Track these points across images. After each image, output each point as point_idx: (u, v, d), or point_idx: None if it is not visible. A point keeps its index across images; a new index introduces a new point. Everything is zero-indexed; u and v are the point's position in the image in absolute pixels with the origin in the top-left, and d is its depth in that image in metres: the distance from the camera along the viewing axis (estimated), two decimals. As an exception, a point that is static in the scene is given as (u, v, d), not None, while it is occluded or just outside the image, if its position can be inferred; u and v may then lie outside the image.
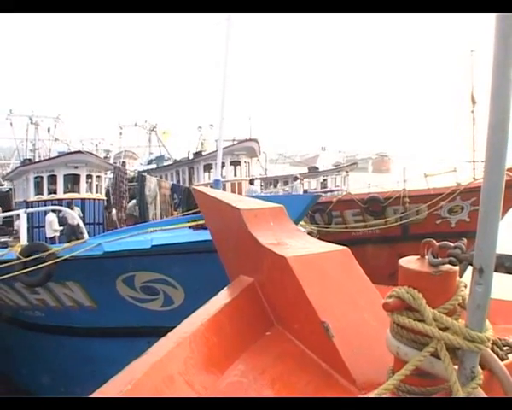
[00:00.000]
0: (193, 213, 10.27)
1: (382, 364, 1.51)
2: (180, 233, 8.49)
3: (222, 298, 1.99)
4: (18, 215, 14.37)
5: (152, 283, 8.80)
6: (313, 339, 1.75)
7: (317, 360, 1.72)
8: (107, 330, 9.56)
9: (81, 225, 10.99)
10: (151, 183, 22.88)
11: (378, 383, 1.43)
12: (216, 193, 2.98)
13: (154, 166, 38.49)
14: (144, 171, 28.14)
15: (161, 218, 19.92)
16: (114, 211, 20.14)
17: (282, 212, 2.45)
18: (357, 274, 1.94)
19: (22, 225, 10.81)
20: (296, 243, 2.08)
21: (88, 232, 16.49)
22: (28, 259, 8.85)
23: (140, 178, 23.34)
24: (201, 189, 3.03)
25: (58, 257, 8.67)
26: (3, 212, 20.70)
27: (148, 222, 16.77)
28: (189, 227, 8.26)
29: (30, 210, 13.92)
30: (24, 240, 10.01)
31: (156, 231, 8.80)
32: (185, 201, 18.93)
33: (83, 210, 17.98)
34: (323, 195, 20.04)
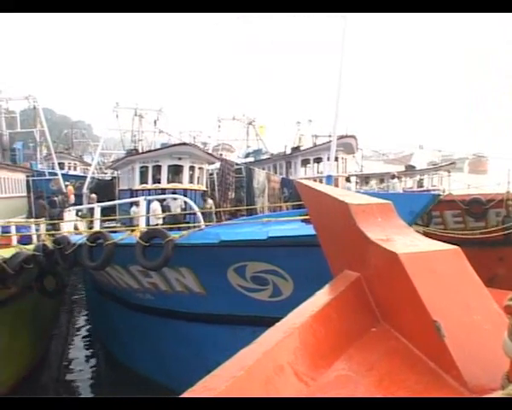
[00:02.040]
0: (304, 207, 10.32)
1: (495, 368, 1.46)
2: (293, 226, 8.55)
3: (328, 292, 1.99)
4: (133, 202, 15.22)
5: (263, 273, 8.96)
6: (422, 338, 1.71)
7: (425, 360, 1.68)
8: (214, 317, 9.84)
9: (198, 214, 11.22)
10: (259, 176, 23.20)
11: (490, 387, 1.39)
12: (320, 187, 2.96)
13: (251, 159, 38.90)
14: (241, 164, 28.46)
15: (269, 211, 20.11)
16: (211, 201, 20.49)
17: (390, 208, 2.41)
18: (469, 275, 1.88)
19: (142, 211, 11.26)
20: (405, 240, 2.04)
21: (188, 222, 17.06)
22: (147, 244, 9.29)
23: (248, 171, 23.75)
24: (306, 182, 3.03)
25: (176, 244, 8.99)
26: (108, 200, 21.62)
27: (255, 215, 17.09)
28: (302, 220, 8.30)
29: (150, 198, 14.52)
30: (143, 225, 10.44)
31: (270, 222, 8.91)
32: (296, 194, 19.02)
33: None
34: None
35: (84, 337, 18.04)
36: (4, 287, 10.21)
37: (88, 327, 19.02)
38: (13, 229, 12.61)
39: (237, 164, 27.45)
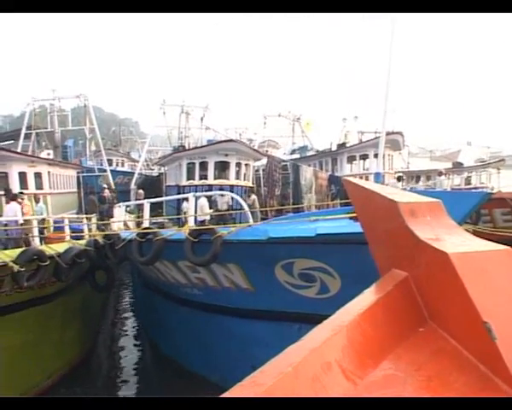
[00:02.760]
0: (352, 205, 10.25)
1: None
2: (341, 223, 8.51)
3: (376, 291, 1.99)
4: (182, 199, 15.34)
5: (311, 270, 8.96)
6: (472, 339, 1.69)
7: (474, 361, 1.66)
8: (260, 313, 9.91)
9: (247, 210, 11.32)
10: (307, 172, 23.18)
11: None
12: (368, 184, 2.95)
13: (296, 156, 38.90)
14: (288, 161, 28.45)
15: (316, 208, 20.08)
16: (253, 197, 20.57)
17: (440, 207, 2.38)
18: (523, 276, 1.84)
19: (191, 207, 11.43)
20: (455, 240, 2.02)
21: (234, 218, 17.18)
22: (196, 240, 9.44)
23: (295, 168, 23.76)
24: (353, 180, 3.02)
25: (225, 240, 9.10)
26: (155, 195, 22.00)
27: (302, 212, 17.06)
28: (349, 218, 8.25)
29: (199, 194, 14.70)
30: (192, 221, 10.58)
31: (318, 219, 8.90)
32: (343, 191, 18.91)
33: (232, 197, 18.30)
34: None
35: (130, 330, 18.46)
36: (58, 280, 10.52)
37: (134, 320, 19.42)
38: (66, 224, 12.97)
39: (284, 161, 27.48)
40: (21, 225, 13.78)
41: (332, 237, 8.29)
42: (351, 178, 3.04)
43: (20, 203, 15.22)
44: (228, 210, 18.57)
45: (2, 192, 17.49)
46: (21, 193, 17.00)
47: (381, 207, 2.36)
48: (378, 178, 12.35)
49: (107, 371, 15.22)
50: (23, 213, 15.07)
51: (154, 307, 14.39)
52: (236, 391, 1.18)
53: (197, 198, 14.89)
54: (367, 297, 1.89)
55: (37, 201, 18.26)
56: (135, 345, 16.84)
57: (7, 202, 15.40)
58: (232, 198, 18.66)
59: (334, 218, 9.22)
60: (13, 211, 14.39)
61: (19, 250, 10.13)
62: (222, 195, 17.98)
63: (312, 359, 1.43)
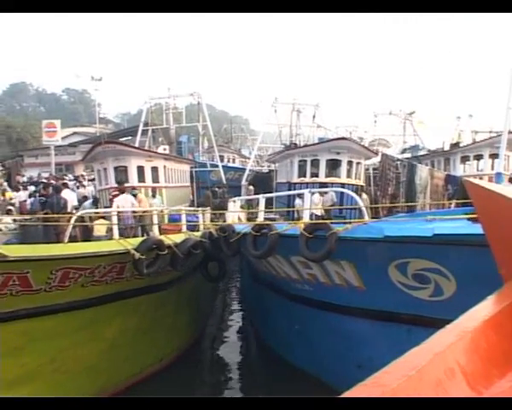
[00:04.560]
0: (470, 205, 9.93)
1: None
2: (459, 224, 8.26)
3: (502, 297, 1.93)
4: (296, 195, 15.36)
5: (425, 271, 8.62)
6: None
7: None
8: (370, 312, 9.72)
9: (363, 208, 11.22)
10: (422, 172, 22.61)
11: None
12: (490, 185, 2.90)
13: (408, 155, 37.98)
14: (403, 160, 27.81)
15: (430, 208, 19.56)
16: (365, 196, 20.24)
17: None
18: None
19: (306, 203, 11.49)
20: None
21: (344, 217, 17.11)
22: (311, 235, 9.41)
23: (410, 167, 23.26)
24: (474, 180, 2.99)
25: (339, 237, 9.01)
26: (265, 191, 22.29)
27: (415, 211, 16.69)
28: (468, 219, 8.00)
29: (314, 190, 14.80)
30: (307, 217, 10.61)
31: (434, 219, 8.67)
32: (461, 191, 18.22)
33: (342, 194, 18.25)
34: None
35: (236, 320, 18.91)
36: (173, 269, 10.98)
37: (241, 311, 19.88)
38: (183, 217, 13.48)
39: (398, 159, 26.95)
40: (140, 216, 14.54)
41: (450, 237, 7.96)
42: (471, 179, 3.01)
43: (134, 196, 16.11)
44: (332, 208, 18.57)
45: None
46: (134, 188, 18.22)
47: (507, 210, 2.31)
48: (499, 178, 11.78)
49: (213, 358, 15.79)
50: (137, 206, 16.03)
51: (262, 300, 14.62)
52: (359, 391, 1.17)
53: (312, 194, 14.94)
54: (492, 304, 1.83)
55: (154, 194, 19.36)
56: (240, 335, 17.32)
57: (114, 196, 16.34)
58: (338, 195, 18.57)
59: (452, 218, 8.95)
60: (125, 201, 15.20)
61: (139, 239, 10.71)
62: (326, 192, 17.86)
63: (436, 363, 1.40)
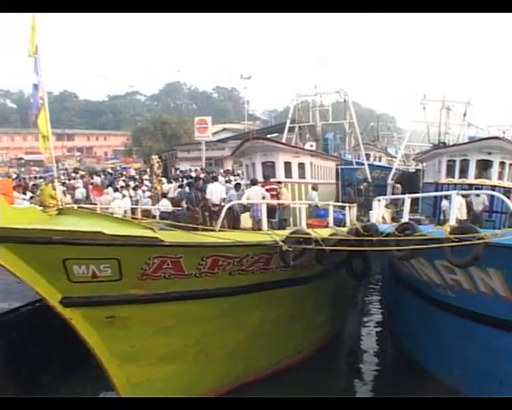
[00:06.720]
0: None
1: None
2: None
3: None
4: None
5: None
6: None
7: None
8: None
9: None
10: None
11: None
12: None
13: None
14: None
15: None
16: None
17: None
18: None
19: (453, 205, 11.17)
20: None
21: (493, 222, 16.36)
22: (456, 241, 8.80)
23: None
24: None
25: (487, 242, 8.46)
26: (411, 191, 21.87)
27: None
28: None
29: (462, 192, 14.32)
30: (453, 220, 10.25)
31: None
32: None
33: (492, 197, 17.35)
34: None
35: (375, 320, 18.77)
36: (318, 264, 11.09)
37: (380, 311, 19.72)
38: (330, 212, 13.66)
39: None
40: (283, 208, 14.94)
41: None
42: None
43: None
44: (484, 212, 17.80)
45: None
46: (279, 182, 19.04)
47: None
48: None
49: (350, 357, 15.83)
50: (278, 199, 16.92)
51: (401, 302, 14.34)
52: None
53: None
54: None
55: (313, 189, 20.27)
56: (378, 335, 17.18)
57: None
58: (488, 199, 17.73)
59: None
60: (255, 193, 15.88)
61: (287, 231, 10.86)
62: (478, 195, 17.10)
63: None
